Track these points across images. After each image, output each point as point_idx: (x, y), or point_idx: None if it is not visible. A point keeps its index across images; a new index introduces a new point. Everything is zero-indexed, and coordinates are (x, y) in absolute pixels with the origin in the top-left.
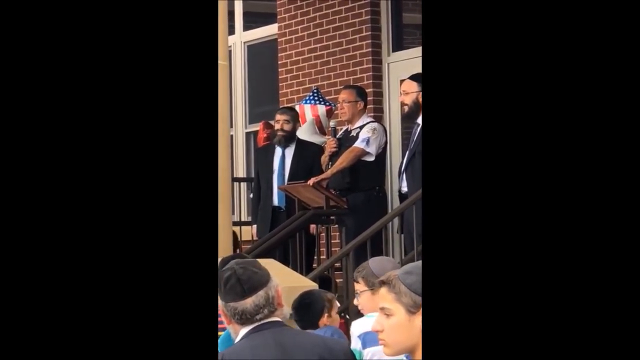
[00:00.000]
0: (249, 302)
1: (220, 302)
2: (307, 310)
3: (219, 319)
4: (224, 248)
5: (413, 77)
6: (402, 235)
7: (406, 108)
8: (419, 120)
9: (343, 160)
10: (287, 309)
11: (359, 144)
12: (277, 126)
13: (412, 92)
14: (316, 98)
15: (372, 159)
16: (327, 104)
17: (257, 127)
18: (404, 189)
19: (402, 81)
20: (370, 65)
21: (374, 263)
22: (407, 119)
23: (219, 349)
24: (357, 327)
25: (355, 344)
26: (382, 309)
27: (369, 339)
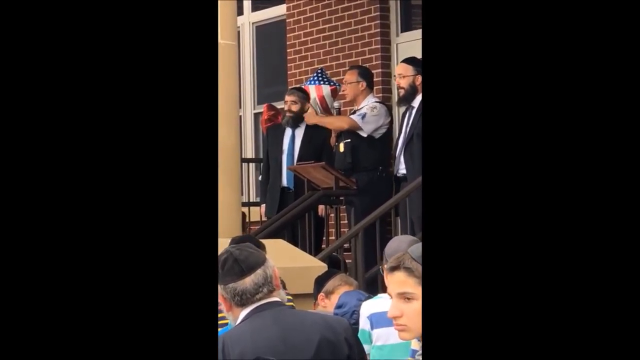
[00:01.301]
0: (248, 281)
1: (219, 288)
2: (325, 280)
3: (219, 307)
4: (233, 228)
5: (408, 61)
6: (400, 218)
7: (402, 91)
8: (414, 103)
9: (333, 119)
10: (284, 292)
11: (354, 117)
12: (285, 107)
13: (408, 75)
14: (321, 78)
15: (364, 135)
16: (332, 83)
17: None
18: (402, 171)
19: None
20: (379, 46)
21: (388, 246)
22: (404, 101)
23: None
24: (366, 308)
25: (364, 325)
26: (401, 294)
27: (377, 320)
